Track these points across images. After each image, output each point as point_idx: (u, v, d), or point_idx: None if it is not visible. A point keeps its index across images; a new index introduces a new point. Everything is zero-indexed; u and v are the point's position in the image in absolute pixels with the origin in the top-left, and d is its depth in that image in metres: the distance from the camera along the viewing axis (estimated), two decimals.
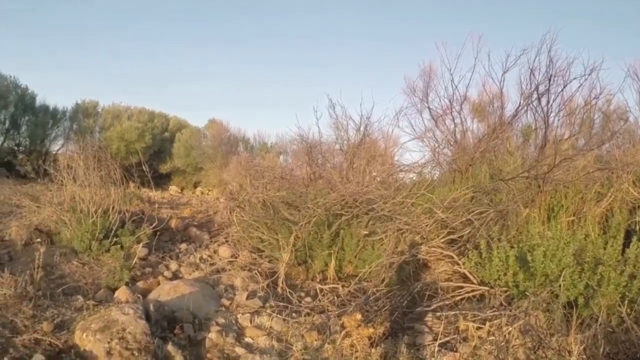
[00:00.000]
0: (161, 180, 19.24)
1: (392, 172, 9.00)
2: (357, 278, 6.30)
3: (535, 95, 8.59)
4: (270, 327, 5.31)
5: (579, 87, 8.41)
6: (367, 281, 6.24)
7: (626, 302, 5.00)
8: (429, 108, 10.13)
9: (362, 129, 9.04)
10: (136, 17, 37.91)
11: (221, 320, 5.28)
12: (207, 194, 18.10)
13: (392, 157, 10.02)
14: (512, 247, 5.74)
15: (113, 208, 7.52)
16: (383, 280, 6.15)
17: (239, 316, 5.50)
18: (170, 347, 4.40)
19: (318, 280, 6.69)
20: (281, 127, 31.29)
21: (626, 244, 5.76)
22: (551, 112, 8.53)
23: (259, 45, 39.34)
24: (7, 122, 16.82)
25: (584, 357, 4.29)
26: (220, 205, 11.36)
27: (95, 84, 37.20)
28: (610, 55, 8.54)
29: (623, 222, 7.14)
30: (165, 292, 5.74)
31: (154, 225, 7.72)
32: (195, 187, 19.84)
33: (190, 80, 40.73)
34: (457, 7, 32.11)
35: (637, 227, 7.17)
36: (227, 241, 8.11)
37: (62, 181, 7.79)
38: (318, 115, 9.03)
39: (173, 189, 19.11)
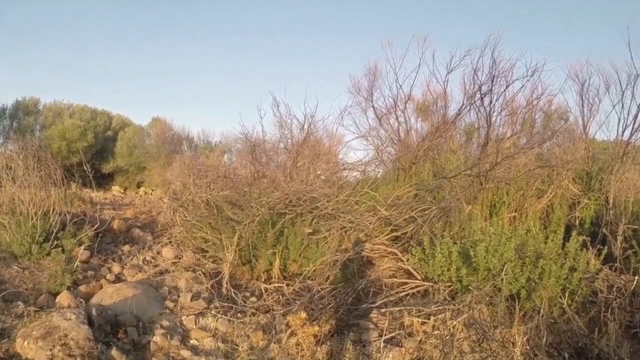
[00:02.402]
0: (103, 181, 18.83)
1: (336, 170, 8.99)
2: (301, 276, 6.26)
3: (478, 95, 8.77)
4: (216, 328, 5.21)
5: (521, 87, 8.73)
6: (312, 279, 6.19)
7: (567, 293, 5.10)
8: (373, 107, 10.20)
9: (306, 127, 9.02)
10: (77, 13, 37.00)
11: (166, 323, 5.15)
12: (151, 194, 17.80)
13: (336, 155, 10.04)
14: (455, 243, 5.76)
15: (54, 210, 7.29)
16: (327, 278, 6.09)
17: (183, 318, 5.38)
18: (114, 352, 4.27)
19: (263, 279, 6.61)
20: (226, 125, 31.04)
21: (566, 238, 5.87)
22: (494, 111, 8.75)
23: (204, 42, 38.91)
24: None
25: (528, 347, 4.34)
26: (163, 205, 11.16)
27: (35, 81, 36.13)
28: (552, 58, 8.71)
29: (563, 217, 7.32)
30: (108, 295, 5.59)
31: (95, 227, 7.52)
32: (138, 187, 19.50)
33: (133, 78, 39.95)
34: (403, 8, 32.42)
35: (577, 222, 7.34)
36: (170, 242, 7.95)
37: (0, 182, 7.48)
38: (262, 113, 8.98)
39: (116, 189, 18.73)
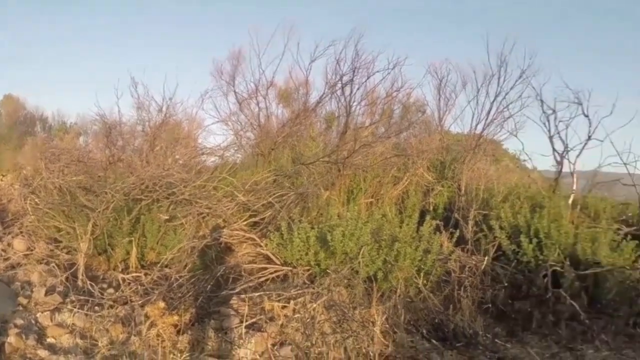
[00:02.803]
0: None
1: (194, 155, 8.78)
2: (159, 265, 6.06)
3: (339, 85, 8.94)
4: (73, 323, 4.91)
5: (382, 79, 9.09)
6: (170, 268, 6.00)
7: (422, 274, 5.32)
8: (234, 92, 10.14)
9: (164, 109, 8.70)
10: None
11: (20, 322, 4.80)
12: (1, 180, 16.56)
13: (195, 139, 9.82)
14: (312, 228, 5.79)
15: None
16: (186, 265, 5.95)
17: (38, 315, 5.03)
18: None
19: (120, 269, 6.31)
20: (82, 106, 29.46)
21: (421, 222, 6.11)
22: (354, 101, 9.01)
23: (61, 16, 36.81)
24: None
25: (387, 326, 4.46)
26: (14, 192, 10.40)
27: None
28: (412, 53, 9.05)
29: (418, 203, 7.59)
30: None
31: None
32: None
33: None
34: None
35: (431, 208, 7.61)
36: (21, 232, 7.37)
37: None
38: (119, 94, 8.52)
39: None
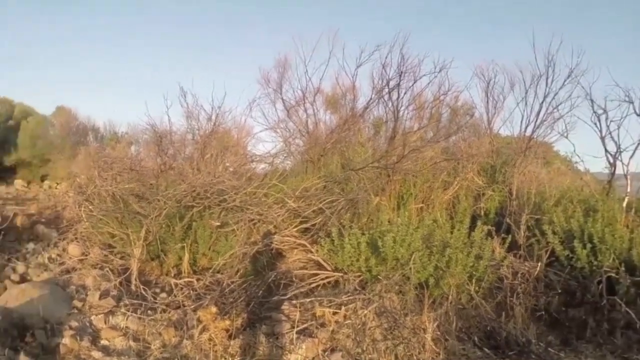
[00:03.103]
0: (5, 174, 17.78)
1: (244, 162, 8.89)
2: (211, 270, 6.13)
3: (386, 90, 8.87)
4: (126, 326, 5.02)
5: (429, 83, 8.93)
6: (222, 273, 6.07)
7: (474, 280, 5.25)
8: (282, 99, 10.17)
9: (213, 118, 8.83)
10: None
11: (75, 324, 4.92)
12: (56, 188, 16.87)
13: (244, 147, 9.93)
14: (363, 233, 5.79)
15: None
16: (238, 271, 6.01)
17: (93, 318, 5.14)
18: (22, 357, 4.07)
19: (173, 274, 6.44)
20: (133, 115, 30.07)
21: (472, 228, 6.04)
22: (401, 105, 8.89)
23: (110, 29, 37.62)
24: None
25: (438, 333, 4.42)
26: (69, 199, 10.65)
27: None
28: (459, 56, 8.99)
29: (469, 208, 7.51)
30: (13, 297, 5.23)
31: None
32: (42, 180, 18.47)
33: (37, 64, 38.04)
34: (315, 2, 32.58)
35: (482, 213, 7.53)
36: (76, 238, 7.55)
37: None
38: (168, 104, 8.69)
39: (19, 183, 17.70)
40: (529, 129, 8.88)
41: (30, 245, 7.68)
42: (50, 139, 17.81)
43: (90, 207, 7.14)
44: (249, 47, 32.86)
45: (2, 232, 7.25)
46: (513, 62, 10.85)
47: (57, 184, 17.19)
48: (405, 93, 8.80)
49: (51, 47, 35.91)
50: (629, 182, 7.34)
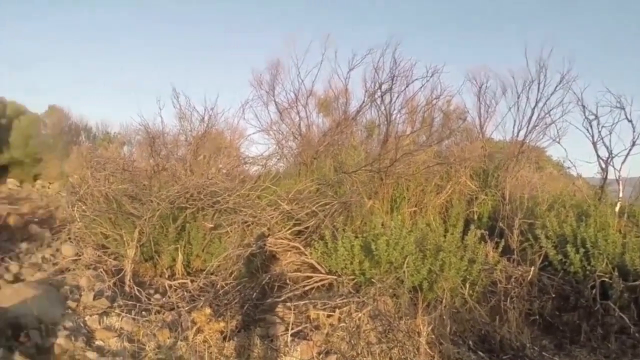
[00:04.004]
0: None
1: (237, 164, 8.89)
2: (205, 272, 6.17)
3: (378, 93, 8.94)
4: (121, 327, 5.02)
5: (421, 87, 8.95)
6: (216, 275, 6.10)
7: (468, 284, 5.27)
8: (275, 101, 10.16)
9: (206, 119, 8.82)
10: None
11: (69, 324, 4.90)
12: (48, 188, 16.84)
13: (237, 149, 9.91)
14: (356, 237, 5.81)
15: None
16: (232, 273, 6.03)
17: (87, 318, 5.14)
18: (17, 357, 4.06)
19: (167, 276, 6.44)
20: (125, 116, 29.98)
21: (465, 232, 6.06)
22: (394, 109, 8.94)
23: (104, 29, 37.49)
24: None
25: (433, 337, 4.43)
26: (61, 199, 10.61)
27: None
28: (451, 60, 9.02)
29: (462, 212, 7.54)
30: (7, 297, 5.21)
31: None
32: (35, 180, 18.39)
33: (30, 63, 37.86)
34: (308, 4, 32.65)
35: (475, 217, 7.55)
36: (70, 238, 7.53)
37: None
38: (161, 105, 8.69)
39: (11, 182, 17.59)
40: (521, 134, 9.00)
41: (24, 245, 7.66)
42: (42, 138, 17.75)
43: (83, 207, 7.11)
44: (242, 48, 32.84)
45: None
46: (505, 67, 10.90)
47: (50, 183, 17.11)
48: (397, 97, 8.87)
49: (44, 47, 35.83)
50: (621, 187, 7.37)
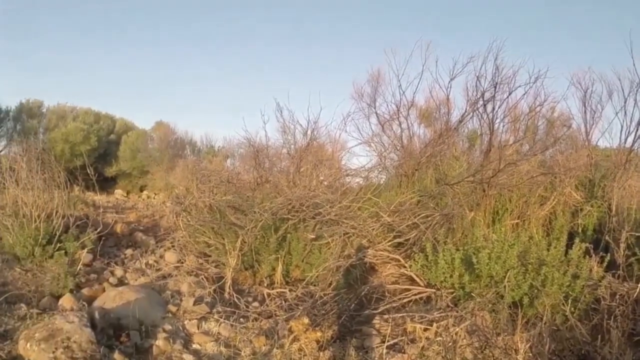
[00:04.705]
0: (106, 184, 18.88)
1: (339, 176, 8.99)
2: (304, 282, 6.27)
3: (481, 102, 8.75)
4: (218, 332, 5.20)
5: (524, 94, 8.68)
6: (315, 285, 6.20)
7: (570, 301, 5.06)
8: (376, 113, 10.19)
9: (309, 133, 9.02)
10: (81, 16, 37.12)
11: (168, 327, 5.15)
12: (154, 198, 17.70)
13: (339, 161, 10.04)
14: (457, 249, 5.76)
15: (57, 212, 7.23)
16: (330, 284, 6.11)
17: (186, 322, 5.38)
18: (117, 356, 4.28)
19: (265, 284, 6.60)
20: (229, 130, 31.16)
21: (569, 245, 5.85)
22: (496, 118, 8.71)
23: (208, 47, 38.96)
24: None
25: (531, 355, 4.33)
26: (166, 209, 11.12)
27: (39, 83, 36.19)
28: (554, 65, 8.71)
29: (566, 225, 7.31)
30: (110, 299, 5.52)
31: (98, 230, 7.47)
32: (141, 190, 19.48)
33: (137, 82, 40.01)
34: (406, 13, 32.52)
35: (580, 229, 7.32)
36: (173, 246, 7.93)
37: (3, 184, 7.47)
38: (265, 119, 8.98)
39: (119, 192, 18.74)
40: (629, 140, 8.57)
41: (129, 251, 8.16)
42: (149, 152, 18.78)
43: (187, 217, 7.45)
44: (343, 61, 33.10)
45: (103, 238, 7.66)
46: (611, 69, 10.43)
47: (155, 194, 18.05)
48: (500, 105, 8.64)
49: (151, 68, 37.72)
50: None
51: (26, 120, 18.28)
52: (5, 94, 40.27)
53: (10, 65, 32.81)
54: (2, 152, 16.88)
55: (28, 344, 4.13)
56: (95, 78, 37.25)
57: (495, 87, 8.45)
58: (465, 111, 9.15)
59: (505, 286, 5.15)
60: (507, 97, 8.61)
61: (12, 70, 32.80)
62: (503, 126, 9.13)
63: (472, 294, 5.33)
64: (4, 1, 27.00)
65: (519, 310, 4.95)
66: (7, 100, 27.70)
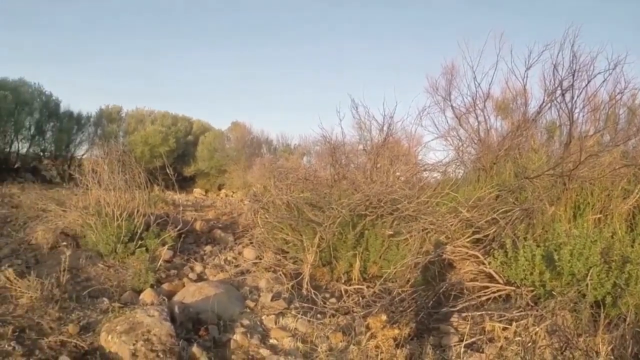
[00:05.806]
0: (185, 183, 19.47)
1: (416, 171, 8.95)
2: (382, 279, 6.25)
3: (559, 91, 8.49)
4: (295, 328, 5.28)
5: (603, 82, 8.33)
6: (392, 282, 6.19)
7: None
8: (452, 106, 10.06)
9: (385, 128, 9.00)
10: (157, 22, 38.17)
11: (246, 322, 5.27)
12: (232, 196, 18.16)
13: (415, 156, 9.99)
14: (538, 246, 5.65)
15: (138, 211, 7.52)
16: (408, 280, 6.11)
17: (263, 317, 5.49)
18: (195, 349, 4.39)
19: (343, 281, 6.65)
20: (304, 128, 31.50)
21: None
22: (575, 108, 8.46)
23: (281, 45, 39.38)
24: (33, 128, 17.07)
25: (612, 357, 4.22)
26: (244, 207, 11.33)
27: (118, 89, 37.52)
28: (634, 49, 8.30)
29: None
30: (190, 294, 5.73)
31: (178, 227, 7.75)
32: (219, 189, 19.97)
33: (213, 83, 40.88)
34: (477, 5, 31.89)
35: None
36: (251, 243, 8.11)
37: (87, 185, 7.81)
38: (341, 116, 9.03)
39: (197, 191, 19.28)
40: None
41: (208, 248, 8.38)
42: (226, 152, 19.28)
43: (265, 214, 7.59)
44: (416, 55, 32.79)
45: (183, 235, 7.91)
46: None
47: (233, 192, 18.47)
48: (579, 94, 8.39)
49: (228, 71, 38.37)
50: None
51: (106, 125, 19.11)
52: (85, 101, 42.11)
53: (90, 72, 34.11)
54: (85, 156, 17.70)
55: (109, 336, 4.31)
56: (170, 82, 38.29)
57: (573, 75, 8.17)
58: (543, 101, 8.90)
59: (587, 284, 5.02)
60: (586, 85, 8.31)
61: (92, 77, 34.16)
62: (582, 116, 8.86)
63: (553, 292, 5.20)
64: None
65: (602, 310, 4.77)
66: (87, 106, 28.95)
